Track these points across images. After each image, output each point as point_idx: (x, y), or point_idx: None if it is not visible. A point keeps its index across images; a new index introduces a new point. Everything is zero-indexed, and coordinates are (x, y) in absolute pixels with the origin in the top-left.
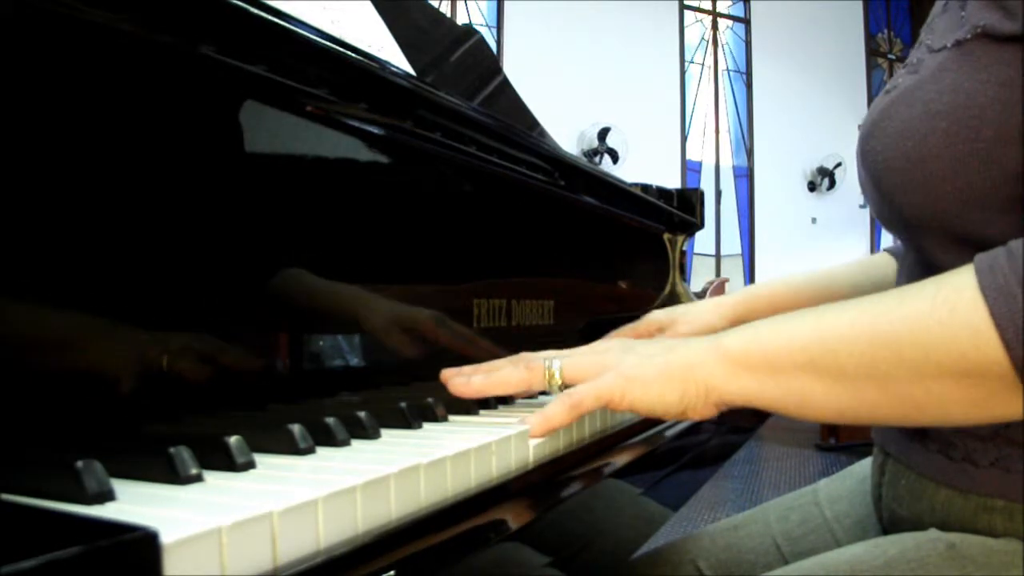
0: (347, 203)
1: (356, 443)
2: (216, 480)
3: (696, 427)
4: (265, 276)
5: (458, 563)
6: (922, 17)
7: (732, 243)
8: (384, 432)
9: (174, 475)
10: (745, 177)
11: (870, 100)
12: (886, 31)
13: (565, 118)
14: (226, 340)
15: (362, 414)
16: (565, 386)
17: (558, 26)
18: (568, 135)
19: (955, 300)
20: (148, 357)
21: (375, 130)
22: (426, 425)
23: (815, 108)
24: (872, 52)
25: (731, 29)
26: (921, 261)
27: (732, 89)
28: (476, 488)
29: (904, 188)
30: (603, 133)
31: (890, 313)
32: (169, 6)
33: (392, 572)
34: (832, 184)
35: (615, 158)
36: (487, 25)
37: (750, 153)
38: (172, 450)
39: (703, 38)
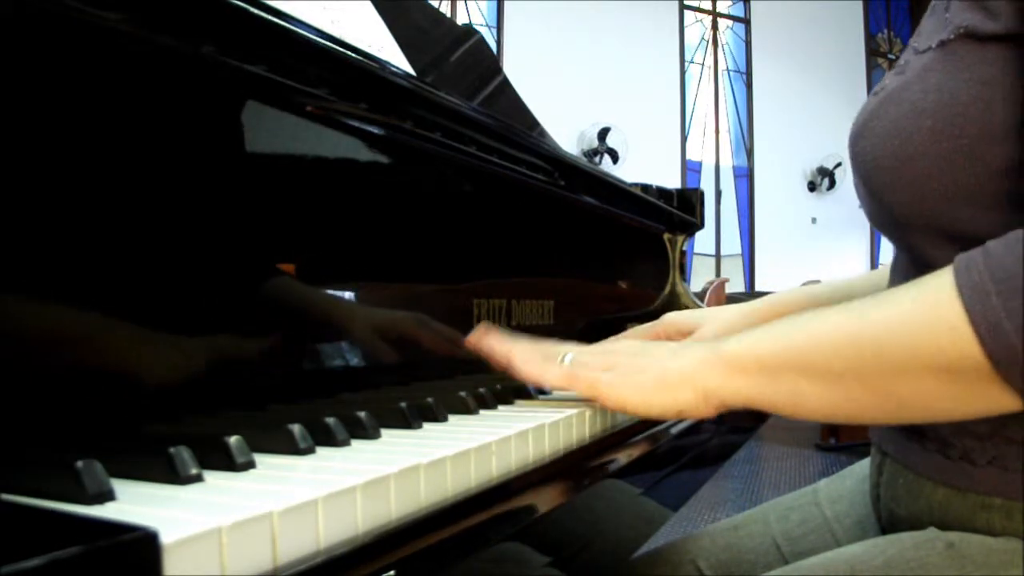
0: (347, 203)
1: (356, 443)
2: (216, 480)
3: (696, 427)
4: (265, 275)
5: (458, 563)
6: (922, 17)
7: (732, 243)
8: (384, 432)
9: (174, 475)
10: (745, 177)
11: None
12: (886, 31)
13: (565, 118)
14: (226, 340)
15: (362, 414)
16: None
17: (558, 26)
18: (568, 135)
19: (933, 299)
20: (148, 357)
21: (375, 130)
22: (426, 425)
23: (815, 108)
24: (872, 52)
25: (731, 29)
26: (913, 260)
27: (732, 89)
28: (476, 488)
29: (892, 187)
30: (603, 133)
31: (873, 314)
32: (169, 6)
33: (392, 572)
34: (832, 184)
35: (615, 158)
36: (487, 25)
37: (750, 153)
38: (172, 450)
39: (703, 38)
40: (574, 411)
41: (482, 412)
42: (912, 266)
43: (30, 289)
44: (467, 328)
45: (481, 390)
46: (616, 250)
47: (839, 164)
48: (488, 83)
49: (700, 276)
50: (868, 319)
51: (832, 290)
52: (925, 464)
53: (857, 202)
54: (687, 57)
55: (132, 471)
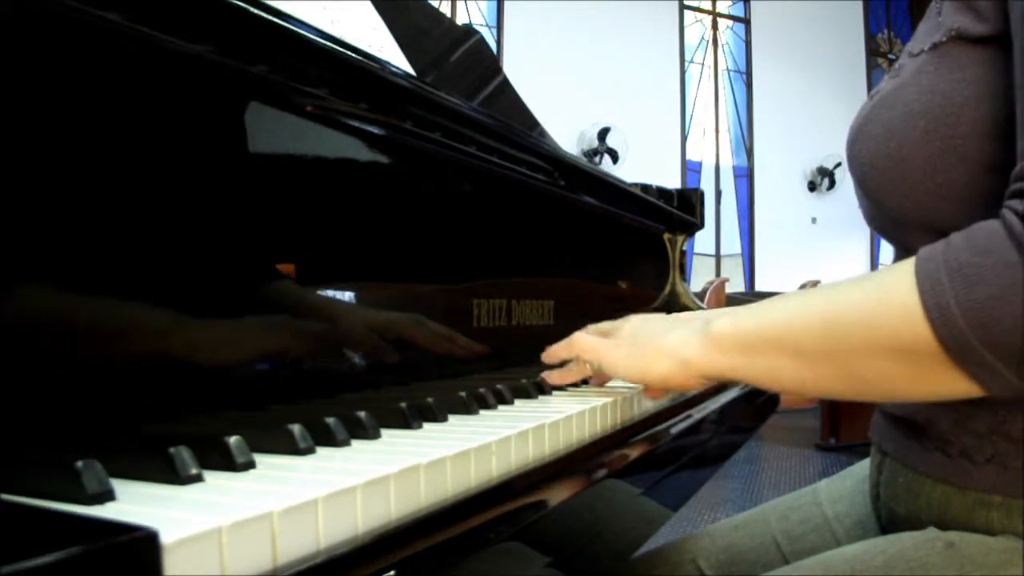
0: (347, 203)
1: (356, 443)
2: (216, 480)
3: (696, 427)
4: (266, 275)
5: (458, 563)
6: (922, 17)
7: (732, 243)
8: (384, 432)
9: (174, 475)
10: (745, 177)
11: None
12: (886, 31)
13: (565, 118)
14: (226, 339)
15: (362, 414)
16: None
17: (558, 26)
18: (568, 135)
19: (895, 284)
20: (148, 356)
21: (375, 130)
22: (426, 425)
23: (815, 108)
24: (872, 52)
25: (731, 29)
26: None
27: (732, 89)
28: (476, 488)
29: (888, 187)
30: (603, 133)
31: (842, 296)
32: (169, 6)
33: (392, 572)
34: (832, 184)
35: (615, 158)
36: (487, 25)
37: (750, 153)
38: (172, 450)
39: (703, 38)
40: (574, 411)
41: (482, 412)
42: None
43: (30, 289)
44: (467, 328)
45: (481, 390)
46: (616, 250)
47: (839, 164)
48: (488, 83)
49: (700, 276)
50: (837, 301)
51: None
52: (924, 462)
53: (857, 202)
54: (687, 57)
55: (132, 471)
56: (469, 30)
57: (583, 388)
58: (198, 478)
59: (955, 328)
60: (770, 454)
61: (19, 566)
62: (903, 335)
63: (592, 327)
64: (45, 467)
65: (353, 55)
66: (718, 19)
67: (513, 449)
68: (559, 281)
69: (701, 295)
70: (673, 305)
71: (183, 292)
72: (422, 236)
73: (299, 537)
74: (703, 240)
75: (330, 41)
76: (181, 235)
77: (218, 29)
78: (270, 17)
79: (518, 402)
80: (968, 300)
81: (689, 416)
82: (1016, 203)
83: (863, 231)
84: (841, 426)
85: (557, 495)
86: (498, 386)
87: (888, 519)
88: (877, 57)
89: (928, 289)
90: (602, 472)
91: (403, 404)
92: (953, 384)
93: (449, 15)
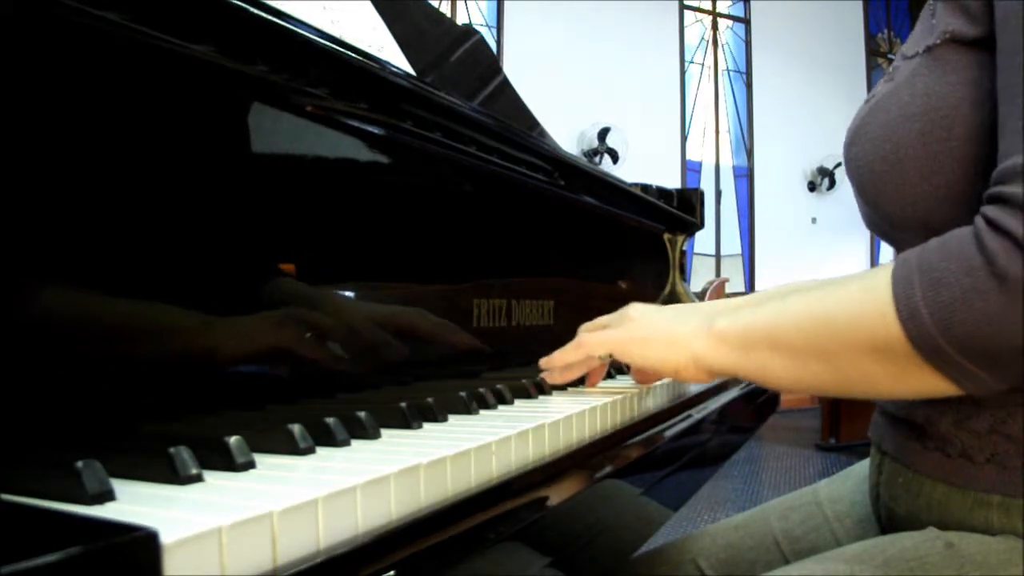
0: (347, 203)
1: (356, 443)
2: (216, 480)
3: (696, 427)
4: (266, 275)
5: (458, 563)
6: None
7: (732, 243)
8: (384, 432)
9: (174, 475)
10: (745, 177)
11: None
12: (886, 31)
13: (565, 118)
14: (226, 339)
15: (362, 414)
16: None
17: (558, 26)
18: (568, 135)
19: (875, 285)
20: (148, 356)
21: (375, 130)
22: (426, 425)
23: (815, 108)
24: (872, 52)
25: (731, 29)
26: None
27: (732, 89)
28: (476, 488)
29: (885, 190)
30: (603, 133)
31: (830, 297)
32: (169, 6)
33: (392, 572)
34: (832, 184)
35: (615, 158)
36: (487, 25)
37: (750, 153)
38: (172, 450)
39: (703, 38)
40: (574, 411)
41: (482, 412)
42: None
43: (31, 289)
44: (467, 328)
45: (481, 390)
46: (616, 250)
47: (839, 164)
48: (488, 83)
49: (700, 276)
50: (824, 301)
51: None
52: (924, 462)
53: (856, 204)
54: (687, 57)
55: (132, 471)
56: (469, 30)
57: (583, 388)
58: (198, 478)
59: (924, 329)
60: (770, 454)
61: (19, 566)
62: (879, 335)
63: (590, 324)
64: (45, 467)
65: (353, 55)
66: (718, 19)
67: (513, 449)
68: (559, 281)
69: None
70: None
71: (183, 292)
72: (422, 236)
73: (299, 537)
74: (703, 240)
75: (330, 41)
76: (180, 235)
77: (218, 29)
78: (270, 17)
79: (518, 402)
80: (935, 302)
81: (689, 416)
82: (989, 208)
83: (863, 231)
84: (841, 426)
85: (557, 495)
86: (498, 386)
87: (888, 519)
88: (877, 57)
89: (901, 291)
90: (602, 472)
91: (403, 404)
92: (932, 383)
93: (449, 15)
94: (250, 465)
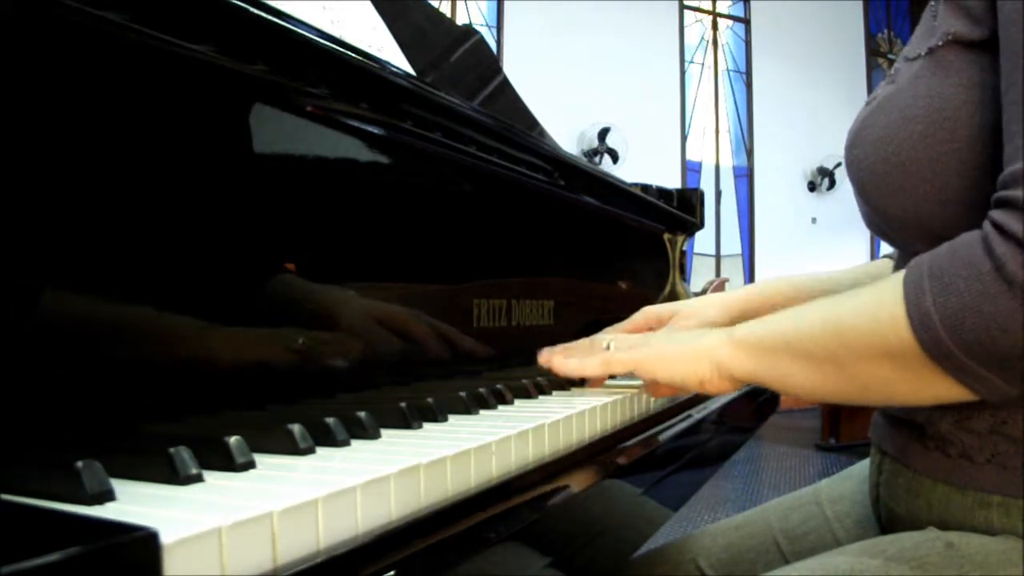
0: (347, 203)
1: (356, 443)
2: (216, 480)
3: (696, 427)
4: (266, 275)
5: (458, 563)
6: (920, 18)
7: (732, 243)
8: (384, 432)
9: (174, 475)
10: (745, 177)
11: None
12: (886, 31)
13: (565, 118)
14: (226, 339)
15: (362, 414)
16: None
17: (558, 26)
18: (568, 135)
19: (887, 292)
20: (148, 356)
21: (375, 130)
22: (426, 425)
23: (815, 108)
24: (872, 52)
25: (731, 29)
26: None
27: (732, 89)
28: (476, 488)
29: (887, 193)
30: (603, 133)
31: (843, 305)
32: (169, 6)
33: (392, 572)
34: (832, 184)
35: (615, 158)
36: (487, 25)
37: (750, 153)
38: (172, 450)
39: (703, 38)
40: (574, 411)
41: (482, 412)
42: None
43: (31, 289)
44: (467, 328)
45: (481, 390)
46: (616, 250)
47: (839, 164)
48: (488, 83)
49: (700, 276)
50: (838, 309)
51: (815, 281)
52: (924, 462)
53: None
54: (687, 57)
55: (132, 471)
56: (469, 30)
57: (583, 388)
58: (198, 478)
59: (935, 334)
60: (770, 454)
61: (19, 566)
62: (892, 342)
63: (619, 337)
64: (45, 467)
65: (353, 55)
66: (718, 19)
67: (513, 449)
68: (559, 281)
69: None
70: None
71: (183, 292)
72: (422, 236)
73: (299, 537)
74: (703, 240)
75: (330, 41)
76: (180, 235)
77: (218, 29)
78: (270, 17)
79: (518, 402)
80: (944, 307)
81: (689, 416)
82: (996, 213)
83: (863, 231)
84: (841, 426)
85: (557, 495)
86: (498, 386)
87: (888, 519)
88: (877, 57)
89: (912, 296)
90: (602, 472)
91: (403, 404)
92: (947, 388)
93: (449, 15)
94: (250, 465)
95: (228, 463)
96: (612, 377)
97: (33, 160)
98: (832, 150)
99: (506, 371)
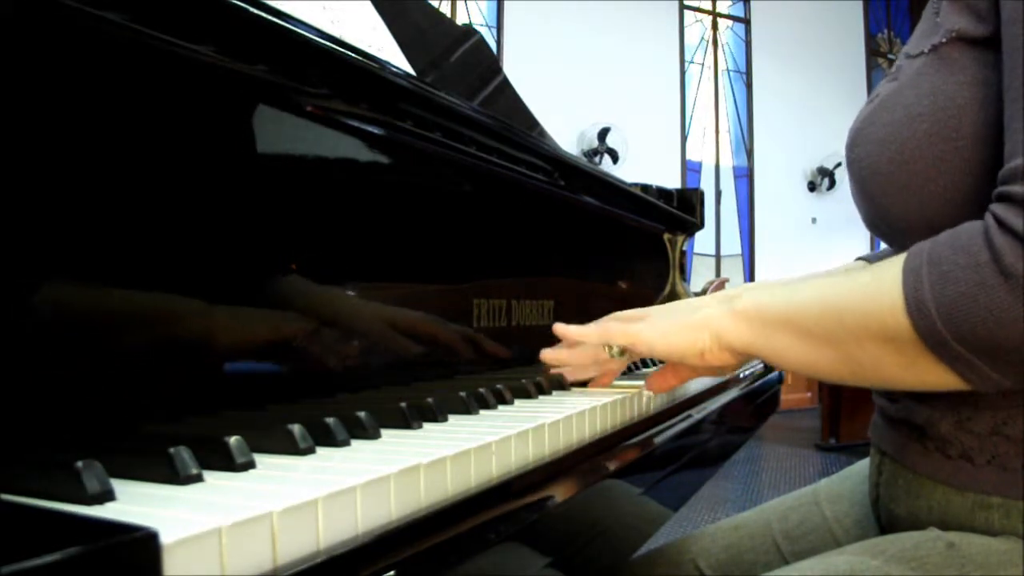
0: (347, 203)
1: (356, 443)
2: (216, 480)
3: (696, 427)
4: (266, 275)
5: (458, 563)
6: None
7: (732, 243)
8: (384, 432)
9: (174, 475)
10: (745, 177)
11: None
12: (886, 31)
13: (565, 118)
14: (226, 339)
15: (362, 414)
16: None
17: (558, 26)
18: (568, 135)
19: (885, 276)
20: (148, 356)
21: (375, 130)
22: (426, 425)
23: (815, 108)
24: (872, 52)
25: (731, 29)
26: None
27: (732, 89)
28: (476, 488)
29: (890, 192)
30: (603, 133)
31: (843, 285)
32: (169, 6)
33: (392, 572)
34: (832, 184)
35: (615, 158)
36: (487, 25)
37: (750, 153)
38: (172, 450)
39: (703, 38)
40: (574, 411)
41: (482, 412)
42: None
43: (31, 290)
44: (467, 328)
45: (481, 390)
46: (616, 250)
47: (839, 164)
48: (488, 83)
49: (700, 276)
50: (838, 289)
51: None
52: (924, 463)
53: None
54: (687, 57)
55: (132, 471)
56: (469, 30)
57: (584, 388)
58: (198, 478)
59: (930, 321)
60: (770, 454)
61: (19, 566)
62: (889, 325)
63: (621, 314)
64: (45, 467)
65: (353, 55)
66: (718, 19)
67: (513, 449)
68: (559, 281)
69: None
70: None
71: (183, 292)
72: (422, 236)
73: (299, 537)
74: (703, 240)
75: (330, 41)
76: (179, 234)
77: (218, 29)
78: (270, 17)
79: (518, 402)
80: (941, 296)
81: (689, 416)
82: (997, 207)
83: (863, 231)
84: (841, 426)
85: (557, 495)
86: (498, 386)
87: (887, 520)
88: (877, 57)
89: (910, 283)
90: (602, 472)
91: (403, 404)
92: (939, 375)
93: (449, 15)
94: (250, 465)
95: (228, 463)
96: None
97: (33, 160)
98: (832, 150)
99: (506, 371)
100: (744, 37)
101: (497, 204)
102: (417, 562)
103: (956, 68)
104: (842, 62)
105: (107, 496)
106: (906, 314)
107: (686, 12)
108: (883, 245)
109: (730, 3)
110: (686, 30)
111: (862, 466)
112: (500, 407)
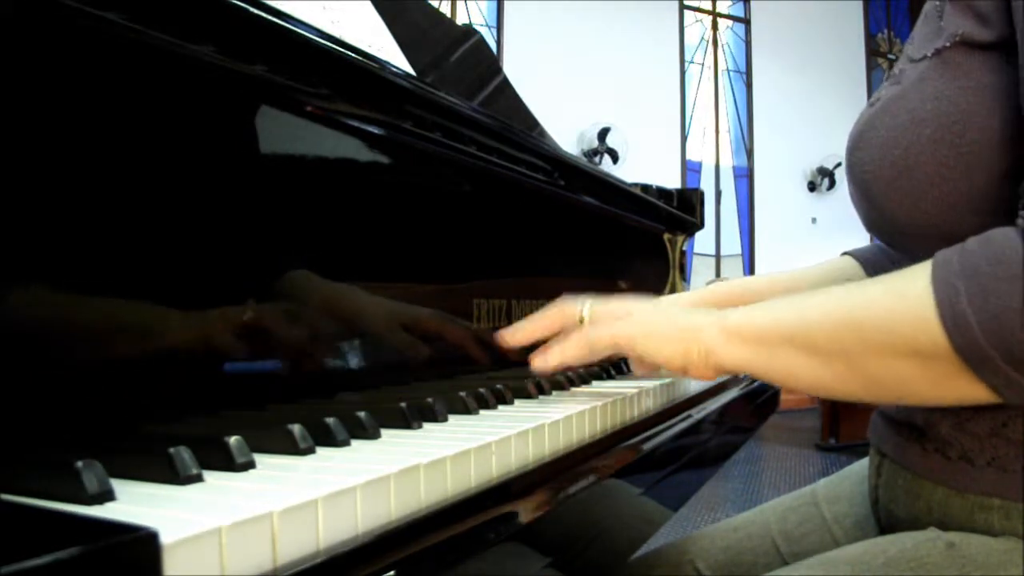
0: (347, 203)
1: (356, 443)
2: (216, 480)
3: (696, 427)
4: (266, 276)
5: (458, 563)
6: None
7: (732, 243)
8: (384, 432)
9: (174, 475)
10: (745, 177)
11: None
12: (886, 31)
13: (565, 118)
14: (226, 339)
15: (362, 414)
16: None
17: (558, 26)
18: (568, 135)
19: (908, 288)
20: (148, 356)
21: (375, 130)
22: (426, 425)
23: (815, 108)
24: (872, 52)
25: (731, 29)
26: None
27: (732, 89)
28: (476, 488)
29: (893, 196)
30: (603, 133)
31: (854, 298)
32: (169, 6)
33: (392, 572)
34: (832, 184)
35: (615, 158)
36: (487, 25)
37: (750, 153)
38: (172, 450)
39: (703, 38)
40: (574, 411)
41: (482, 412)
42: None
43: (31, 290)
44: (467, 328)
45: (481, 390)
46: (616, 250)
47: (839, 164)
48: (488, 83)
49: (700, 276)
50: (852, 303)
51: (771, 282)
52: (924, 465)
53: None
54: (687, 57)
55: (132, 471)
56: (469, 30)
57: (583, 388)
58: (198, 478)
59: (971, 337)
60: (770, 454)
61: (19, 566)
62: (920, 341)
63: (599, 307)
64: (45, 467)
65: (353, 55)
66: (718, 19)
67: (513, 449)
68: (559, 281)
69: None
70: None
71: (184, 292)
72: (422, 236)
73: (299, 537)
74: (703, 240)
75: (330, 41)
76: (179, 235)
77: (218, 29)
78: (270, 17)
79: (518, 402)
80: (983, 310)
81: (689, 416)
82: None
83: (862, 232)
84: (841, 426)
85: (557, 495)
86: (498, 386)
87: (887, 520)
88: (877, 57)
89: (944, 297)
90: (602, 472)
91: (403, 404)
92: (971, 390)
93: (449, 15)
94: (250, 465)
95: (228, 463)
96: (610, 377)
97: (33, 160)
98: (832, 150)
99: (506, 371)
100: (744, 37)
101: (497, 204)
102: (417, 562)
103: (960, 73)
104: (842, 62)
105: (107, 496)
106: (942, 329)
107: (686, 12)
108: (882, 245)
109: (730, 3)
110: (686, 30)
111: (861, 466)
112: (500, 407)
